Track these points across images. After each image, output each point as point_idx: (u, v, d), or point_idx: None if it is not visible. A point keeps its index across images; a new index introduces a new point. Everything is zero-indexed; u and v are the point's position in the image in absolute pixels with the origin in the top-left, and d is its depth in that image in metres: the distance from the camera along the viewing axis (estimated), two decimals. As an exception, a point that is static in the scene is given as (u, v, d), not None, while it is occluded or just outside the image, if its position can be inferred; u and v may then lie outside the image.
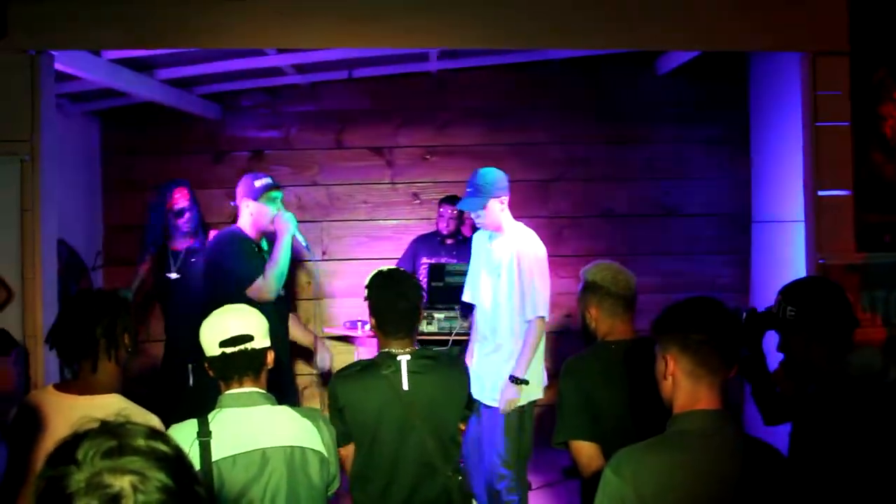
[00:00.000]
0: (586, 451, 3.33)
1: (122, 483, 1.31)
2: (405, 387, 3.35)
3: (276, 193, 5.08)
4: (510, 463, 5.06)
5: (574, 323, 7.02)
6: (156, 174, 7.15)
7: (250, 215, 5.04)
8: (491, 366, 5.08)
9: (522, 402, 5.04)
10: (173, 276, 6.14)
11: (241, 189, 5.09)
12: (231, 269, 4.87)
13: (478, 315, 5.33)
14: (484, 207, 5.07)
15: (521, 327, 5.04)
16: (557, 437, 3.43)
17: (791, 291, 3.04)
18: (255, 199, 5.01)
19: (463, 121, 7.25)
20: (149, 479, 1.32)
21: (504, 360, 5.04)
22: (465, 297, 5.47)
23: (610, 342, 3.51)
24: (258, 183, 5.05)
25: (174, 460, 1.38)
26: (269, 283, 4.83)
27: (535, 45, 4.95)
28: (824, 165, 4.62)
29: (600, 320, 3.54)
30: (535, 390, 5.08)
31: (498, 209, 5.10)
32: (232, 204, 5.21)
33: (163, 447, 1.38)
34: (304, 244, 5.18)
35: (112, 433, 1.36)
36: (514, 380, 4.95)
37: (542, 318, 5.02)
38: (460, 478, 3.47)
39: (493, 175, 5.11)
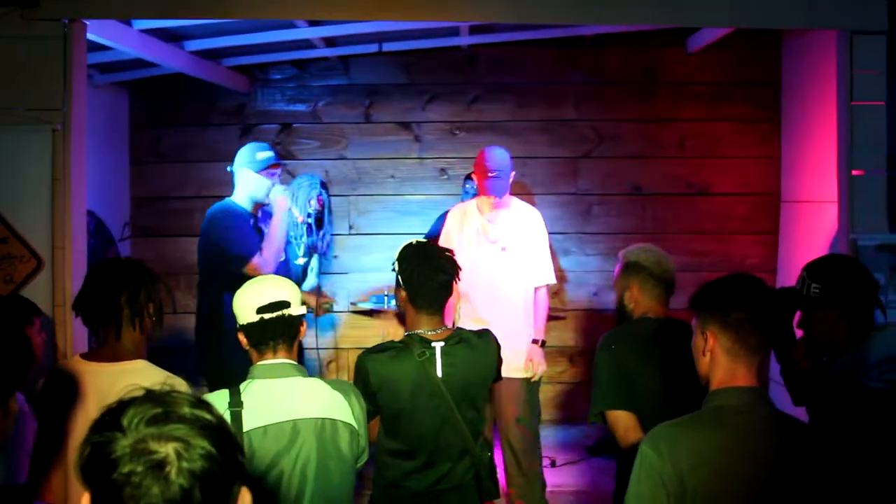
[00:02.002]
0: (623, 421, 3.32)
1: (167, 449, 1.32)
2: (439, 374, 3.30)
3: (276, 169, 5.02)
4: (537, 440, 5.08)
5: (601, 300, 7.01)
6: (183, 146, 7.18)
7: (247, 186, 4.97)
8: (508, 339, 5.01)
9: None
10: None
11: (241, 158, 5.00)
12: (227, 247, 4.79)
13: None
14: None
15: (529, 294, 5.09)
16: (594, 408, 3.42)
17: (816, 268, 3.03)
18: (256, 170, 4.95)
19: (492, 96, 7.20)
20: (192, 446, 1.34)
21: (521, 330, 5.02)
22: None
23: (647, 318, 3.52)
24: (261, 156, 4.97)
25: (217, 429, 1.39)
26: (267, 260, 4.77)
27: (570, 19, 4.88)
28: (859, 145, 4.57)
29: (640, 301, 3.54)
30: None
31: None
32: (228, 170, 5.12)
33: (207, 416, 1.39)
34: (300, 215, 5.15)
35: (157, 401, 1.38)
36: (543, 343, 5.03)
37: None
38: (489, 454, 3.46)
39: (506, 154, 5.08)
